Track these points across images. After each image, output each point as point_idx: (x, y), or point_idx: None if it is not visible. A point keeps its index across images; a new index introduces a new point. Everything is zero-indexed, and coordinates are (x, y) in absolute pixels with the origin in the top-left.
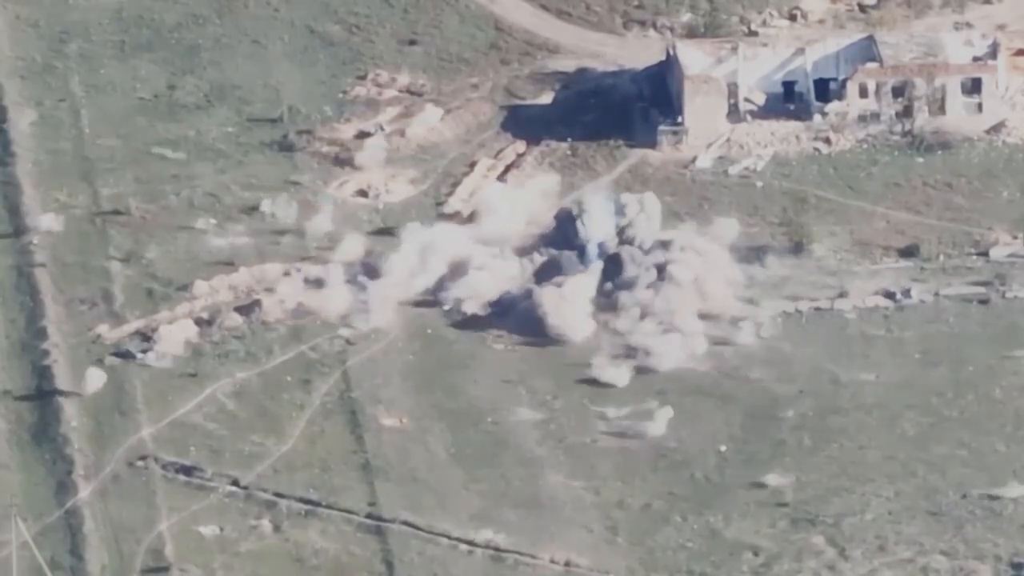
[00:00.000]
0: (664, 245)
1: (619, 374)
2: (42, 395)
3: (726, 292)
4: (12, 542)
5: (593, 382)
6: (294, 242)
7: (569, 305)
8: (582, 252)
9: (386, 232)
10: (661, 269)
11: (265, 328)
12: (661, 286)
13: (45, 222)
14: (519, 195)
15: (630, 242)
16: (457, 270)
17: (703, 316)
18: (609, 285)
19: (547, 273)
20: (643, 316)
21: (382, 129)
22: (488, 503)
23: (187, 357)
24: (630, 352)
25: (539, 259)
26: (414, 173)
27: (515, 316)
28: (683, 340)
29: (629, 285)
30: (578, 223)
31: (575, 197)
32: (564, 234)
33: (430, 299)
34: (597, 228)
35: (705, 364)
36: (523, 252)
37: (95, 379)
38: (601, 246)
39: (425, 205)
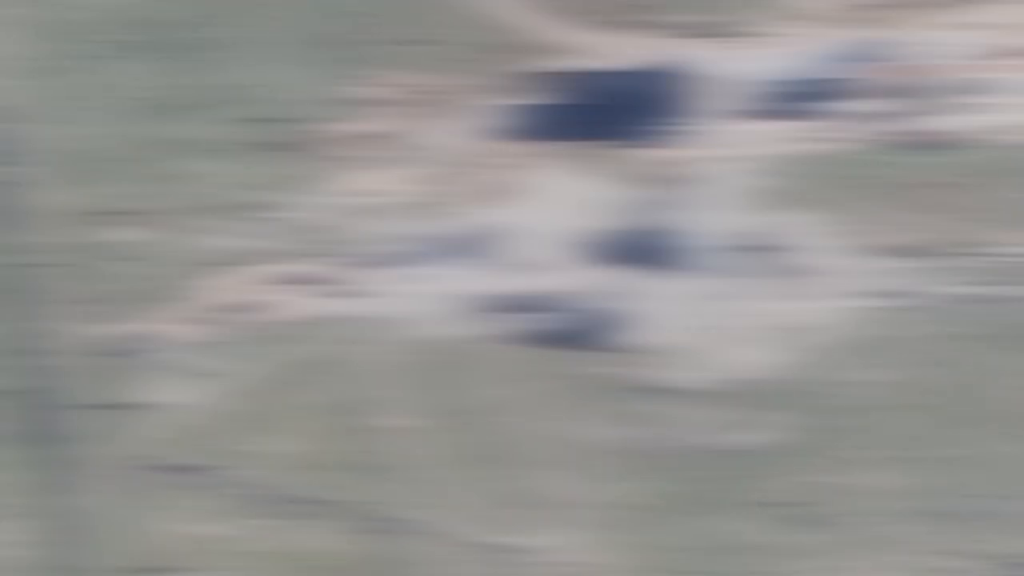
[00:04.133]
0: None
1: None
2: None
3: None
4: (12, 542)
5: (613, 386)
6: (302, 242)
7: (665, 311)
8: (675, 256)
9: (418, 227)
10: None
11: (268, 327)
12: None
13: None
14: (576, 187)
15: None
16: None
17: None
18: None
19: (620, 277)
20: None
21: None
22: (488, 503)
23: (187, 357)
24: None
25: (614, 261)
26: (414, 173)
27: (573, 320)
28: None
29: (725, 294)
30: (671, 226)
31: (660, 198)
32: (649, 235)
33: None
34: (700, 231)
35: (707, 363)
36: (586, 251)
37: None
38: (700, 249)
39: (425, 205)
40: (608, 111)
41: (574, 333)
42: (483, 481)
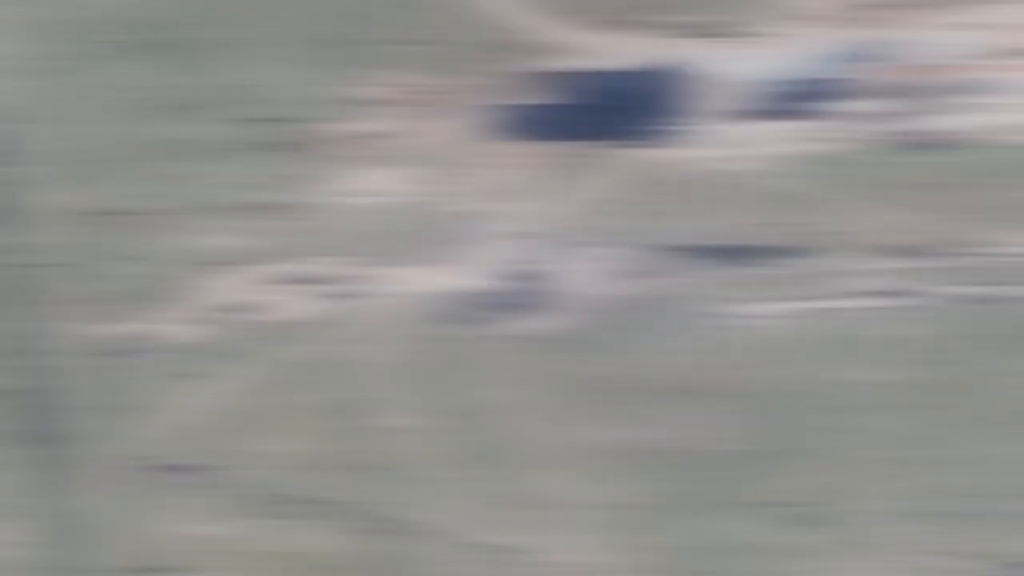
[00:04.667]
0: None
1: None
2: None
3: None
4: (11, 542)
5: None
6: (302, 242)
7: (665, 312)
8: (675, 257)
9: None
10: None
11: (268, 327)
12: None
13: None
14: (575, 187)
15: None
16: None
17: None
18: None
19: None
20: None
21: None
22: (488, 503)
23: (187, 357)
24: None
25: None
26: (414, 173)
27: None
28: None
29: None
30: (670, 226)
31: (660, 198)
32: (648, 236)
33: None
34: (699, 231)
35: (707, 363)
36: (585, 252)
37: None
38: (699, 249)
39: (425, 205)
40: (608, 111)
41: (574, 334)
42: (483, 481)
